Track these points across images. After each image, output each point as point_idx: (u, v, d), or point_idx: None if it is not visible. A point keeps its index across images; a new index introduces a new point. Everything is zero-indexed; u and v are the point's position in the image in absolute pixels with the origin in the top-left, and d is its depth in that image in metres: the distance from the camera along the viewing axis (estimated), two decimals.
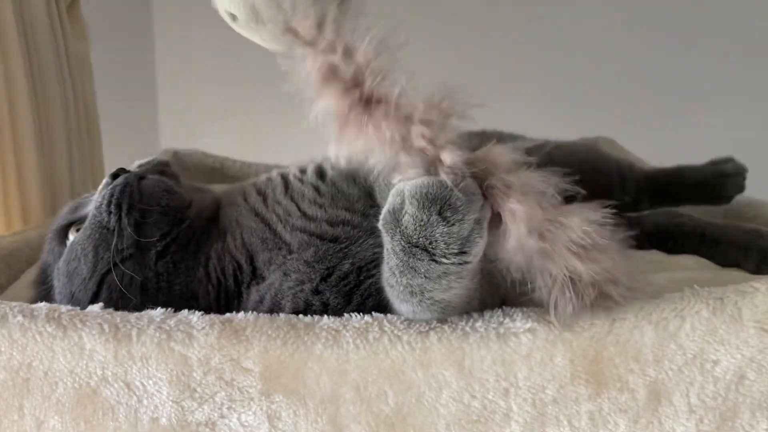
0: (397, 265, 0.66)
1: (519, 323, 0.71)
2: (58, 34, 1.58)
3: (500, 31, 2.94)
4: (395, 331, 0.71)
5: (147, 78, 3.04)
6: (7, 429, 0.72)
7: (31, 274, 1.21)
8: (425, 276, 0.65)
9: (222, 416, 0.72)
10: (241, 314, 0.74)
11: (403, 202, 0.64)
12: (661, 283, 0.98)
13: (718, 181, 1.30)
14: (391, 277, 0.68)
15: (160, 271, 0.85)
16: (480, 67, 2.73)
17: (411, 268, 0.65)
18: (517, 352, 0.70)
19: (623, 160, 1.38)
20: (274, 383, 0.71)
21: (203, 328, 0.71)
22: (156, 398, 0.71)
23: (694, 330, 0.70)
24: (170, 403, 0.71)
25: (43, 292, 0.90)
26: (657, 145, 2.52)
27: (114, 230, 0.84)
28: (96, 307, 0.75)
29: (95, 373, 0.71)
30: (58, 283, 0.87)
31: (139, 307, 0.75)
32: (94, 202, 0.89)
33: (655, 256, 1.20)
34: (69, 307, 0.74)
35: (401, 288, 0.67)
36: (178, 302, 0.79)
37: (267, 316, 0.74)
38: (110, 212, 0.85)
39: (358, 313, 0.75)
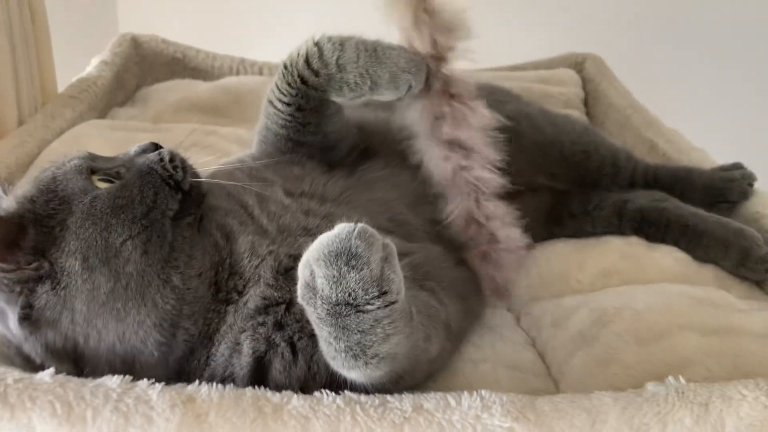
0: (330, 333, 0.66)
1: (498, 420, 0.68)
2: None
3: None
4: (368, 423, 0.68)
5: None
6: None
7: None
8: (358, 331, 0.65)
9: None
10: (204, 390, 0.69)
11: (312, 271, 0.65)
12: (638, 309, 0.96)
13: (725, 186, 1.26)
14: (329, 348, 0.67)
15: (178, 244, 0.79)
16: None
17: (342, 328, 0.65)
18: None
19: (621, 149, 1.31)
20: None
21: (164, 411, 0.67)
22: None
23: None
24: None
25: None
26: (648, 67, 2.44)
27: (174, 186, 0.80)
28: (46, 375, 0.69)
29: None
30: (89, 210, 0.76)
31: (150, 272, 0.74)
32: (139, 155, 0.84)
33: (633, 248, 1.17)
34: (17, 375, 0.69)
35: (343, 355, 0.66)
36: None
37: (232, 394, 0.69)
38: (175, 167, 0.81)
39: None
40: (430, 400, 0.70)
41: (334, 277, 0.64)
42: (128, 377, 0.70)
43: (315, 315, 0.66)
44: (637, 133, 1.65)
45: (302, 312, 0.73)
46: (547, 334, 0.99)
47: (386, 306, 0.64)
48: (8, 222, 0.74)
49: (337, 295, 0.64)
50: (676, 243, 1.18)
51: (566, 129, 1.25)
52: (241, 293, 0.79)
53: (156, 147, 0.85)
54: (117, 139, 1.48)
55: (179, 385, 0.71)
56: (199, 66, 2.11)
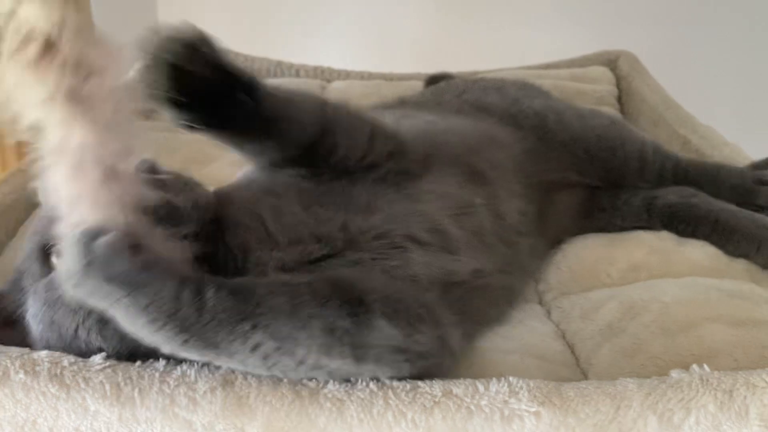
0: None
1: (525, 405, 0.71)
2: None
3: None
4: (400, 406, 0.71)
5: None
6: None
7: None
8: None
9: None
10: (240, 376, 0.73)
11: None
12: (666, 301, 0.98)
13: (753, 189, 1.25)
14: None
15: None
16: None
17: None
18: None
19: (649, 141, 1.31)
20: None
21: (205, 393, 0.71)
22: None
23: (698, 424, 0.70)
24: None
25: None
26: (685, 62, 2.43)
27: None
28: (98, 357, 0.74)
29: (100, 431, 0.72)
30: None
31: None
32: None
33: (663, 242, 1.18)
34: (71, 358, 0.73)
35: None
36: None
37: (271, 381, 0.73)
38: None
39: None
40: (459, 385, 0.73)
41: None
42: (172, 361, 0.74)
43: None
44: (670, 130, 1.65)
45: None
46: (576, 327, 1.01)
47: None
48: None
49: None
50: (706, 238, 1.18)
51: (593, 123, 1.26)
52: None
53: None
54: (158, 140, 1.54)
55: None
56: None
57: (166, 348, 0.67)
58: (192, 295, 0.65)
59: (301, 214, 0.86)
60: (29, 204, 1.26)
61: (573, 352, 0.97)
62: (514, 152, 1.16)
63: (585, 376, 0.92)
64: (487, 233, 0.99)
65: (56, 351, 0.74)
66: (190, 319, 0.65)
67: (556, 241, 1.22)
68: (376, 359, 0.72)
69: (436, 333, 0.77)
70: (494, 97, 1.25)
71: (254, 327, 0.66)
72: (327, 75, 2.13)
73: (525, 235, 1.08)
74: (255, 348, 0.67)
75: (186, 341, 0.66)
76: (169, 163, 1.46)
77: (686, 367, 0.85)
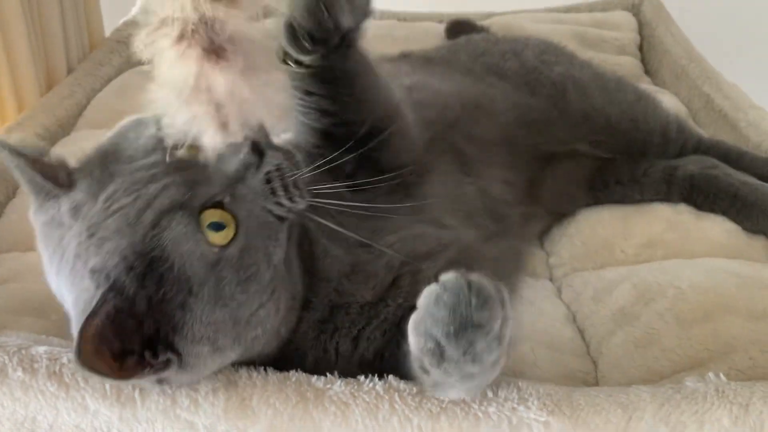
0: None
1: (534, 414, 0.69)
2: None
3: None
4: (406, 412, 0.69)
5: None
6: None
7: None
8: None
9: None
10: (245, 374, 0.72)
11: (438, 342, 0.62)
12: (682, 287, 0.95)
13: None
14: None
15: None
16: None
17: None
18: None
19: (674, 118, 1.26)
20: None
21: (207, 394, 0.70)
22: None
23: None
24: None
25: None
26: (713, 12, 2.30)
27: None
28: None
29: (101, 429, 0.71)
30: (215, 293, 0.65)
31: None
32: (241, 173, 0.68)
33: (681, 216, 1.15)
34: (71, 355, 0.72)
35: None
36: None
37: (276, 378, 0.71)
38: (290, 197, 0.69)
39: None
40: None
41: (463, 348, 0.61)
42: None
43: (442, 376, 0.64)
44: (693, 86, 1.58)
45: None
46: (587, 309, 0.98)
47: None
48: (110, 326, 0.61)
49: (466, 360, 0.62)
50: (724, 213, 1.15)
51: (617, 98, 1.20)
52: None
53: (258, 152, 0.68)
54: None
55: None
56: None
57: None
58: None
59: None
60: None
61: (583, 337, 0.95)
62: (505, 120, 1.11)
63: (595, 365, 0.90)
64: (477, 212, 0.97)
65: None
66: None
67: (560, 210, 1.19)
68: None
69: None
70: (512, 63, 1.19)
71: None
72: None
73: (513, 205, 1.05)
74: None
75: None
76: None
77: (701, 363, 0.84)
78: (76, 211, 0.67)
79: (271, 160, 0.68)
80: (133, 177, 0.66)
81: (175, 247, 0.63)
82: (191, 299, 0.64)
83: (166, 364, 0.64)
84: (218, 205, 0.65)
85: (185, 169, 0.66)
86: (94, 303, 0.60)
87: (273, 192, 0.68)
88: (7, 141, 0.71)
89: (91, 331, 0.59)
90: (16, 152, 0.70)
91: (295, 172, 0.69)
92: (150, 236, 0.62)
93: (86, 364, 0.59)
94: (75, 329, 0.62)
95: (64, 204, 0.68)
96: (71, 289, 0.66)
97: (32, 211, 0.71)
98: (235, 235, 0.65)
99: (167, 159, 0.67)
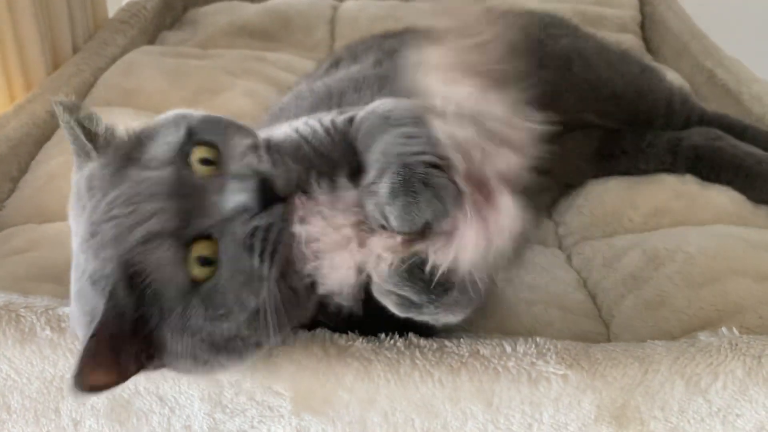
0: None
1: (552, 367, 0.71)
2: None
3: None
4: (427, 366, 0.71)
5: None
6: (44, 426, 0.75)
7: (43, 165, 1.17)
8: None
9: (253, 427, 0.74)
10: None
11: None
12: (690, 252, 0.97)
13: None
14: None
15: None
16: None
17: None
18: (547, 395, 0.71)
19: (677, 90, 1.27)
20: (304, 406, 0.72)
21: None
22: (188, 410, 0.73)
23: (725, 388, 0.70)
24: (202, 414, 0.73)
25: None
26: None
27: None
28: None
29: (127, 386, 0.72)
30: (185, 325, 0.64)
31: None
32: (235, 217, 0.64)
33: (687, 186, 1.16)
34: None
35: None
36: None
37: (300, 336, 0.72)
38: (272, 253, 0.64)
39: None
40: (486, 346, 0.73)
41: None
42: None
43: None
44: (695, 62, 1.60)
45: None
46: (598, 275, 1.00)
47: None
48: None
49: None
50: (729, 183, 1.16)
51: (622, 70, 1.22)
52: None
53: (261, 200, 0.63)
54: (169, 66, 1.50)
55: None
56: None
57: None
58: None
59: None
60: (40, 137, 1.24)
61: (595, 302, 0.97)
62: None
63: (607, 327, 0.92)
64: None
65: None
66: None
67: (569, 182, 1.21)
68: None
69: None
70: (518, 36, 1.20)
71: None
72: None
73: None
74: None
75: None
76: (181, 93, 1.43)
77: (711, 323, 0.86)
78: (91, 186, 0.67)
79: (268, 218, 0.63)
80: (137, 188, 0.64)
81: (156, 269, 0.62)
82: (161, 321, 0.63)
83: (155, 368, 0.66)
84: (209, 237, 0.63)
85: (186, 196, 0.64)
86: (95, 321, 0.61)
87: (251, 248, 0.63)
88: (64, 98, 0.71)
89: (90, 354, 0.60)
90: (69, 108, 0.70)
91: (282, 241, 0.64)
92: (137, 252, 0.62)
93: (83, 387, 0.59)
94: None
95: (88, 172, 0.69)
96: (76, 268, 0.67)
97: (73, 172, 0.72)
98: (213, 273, 0.63)
99: None
